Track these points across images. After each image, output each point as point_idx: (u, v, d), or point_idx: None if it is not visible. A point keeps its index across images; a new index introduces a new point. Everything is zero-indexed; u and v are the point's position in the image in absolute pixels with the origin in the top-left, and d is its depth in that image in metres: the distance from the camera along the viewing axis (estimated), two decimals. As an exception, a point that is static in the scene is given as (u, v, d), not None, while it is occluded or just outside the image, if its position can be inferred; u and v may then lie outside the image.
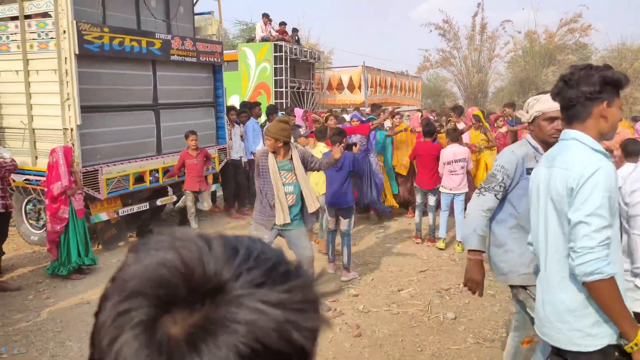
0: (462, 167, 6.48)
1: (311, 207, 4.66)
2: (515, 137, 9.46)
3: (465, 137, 8.75)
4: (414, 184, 6.89)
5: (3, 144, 6.74)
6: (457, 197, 6.53)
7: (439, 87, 36.79)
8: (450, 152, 6.50)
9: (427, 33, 34.30)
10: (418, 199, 6.88)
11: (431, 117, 9.42)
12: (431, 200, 6.73)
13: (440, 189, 6.62)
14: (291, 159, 4.60)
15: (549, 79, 29.41)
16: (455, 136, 6.59)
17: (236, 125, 8.90)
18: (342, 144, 5.38)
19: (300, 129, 6.75)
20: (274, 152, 4.56)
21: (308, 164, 4.69)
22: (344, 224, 5.67)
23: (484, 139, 8.88)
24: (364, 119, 10.34)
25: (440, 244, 6.63)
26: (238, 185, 8.82)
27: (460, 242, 6.48)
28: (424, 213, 6.94)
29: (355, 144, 8.30)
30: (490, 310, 4.78)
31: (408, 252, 6.63)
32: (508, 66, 32.60)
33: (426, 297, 5.13)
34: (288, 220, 4.53)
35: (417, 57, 37.87)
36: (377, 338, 4.29)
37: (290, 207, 4.57)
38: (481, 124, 9.25)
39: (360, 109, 15.60)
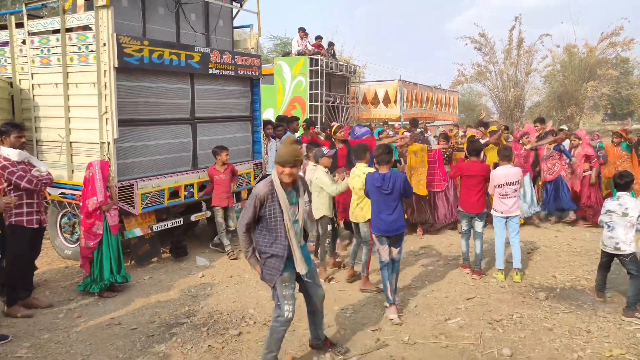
0: (515, 190, 5.99)
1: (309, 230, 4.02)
2: (537, 155, 8.96)
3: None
4: (459, 208, 6.38)
5: (40, 158, 6.67)
6: (511, 221, 6.02)
7: (473, 102, 36.13)
8: (502, 174, 6.02)
9: (462, 47, 33.82)
10: (464, 225, 6.33)
11: (476, 133, 8.96)
12: (478, 226, 6.16)
13: (492, 212, 6.16)
14: (297, 189, 3.85)
15: (589, 93, 28.44)
16: (507, 155, 6.11)
17: (272, 139, 8.68)
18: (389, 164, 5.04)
19: (324, 148, 6.23)
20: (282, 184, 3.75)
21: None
22: (394, 252, 5.09)
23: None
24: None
25: (500, 276, 6.03)
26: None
27: (519, 270, 5.99)
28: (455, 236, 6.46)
29: (399, 161, 7.94)
30: (549, 346, 4.32)
31: (452, 277, 6.20)
32: (545, 80, 31.70)
33: (476, 328, 4.71)
34: (306, 271, 3.86)
35: (452, 71, 37.30)
36: (426, 376, 3.90)
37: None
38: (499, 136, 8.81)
39: (393, 123, 15.23)
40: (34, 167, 5.29)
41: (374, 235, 5.20)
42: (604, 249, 5.22)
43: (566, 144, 9.37)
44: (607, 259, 5.32)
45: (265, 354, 3.89)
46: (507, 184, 5.98)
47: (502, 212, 6.02)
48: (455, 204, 8.20)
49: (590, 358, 4.11)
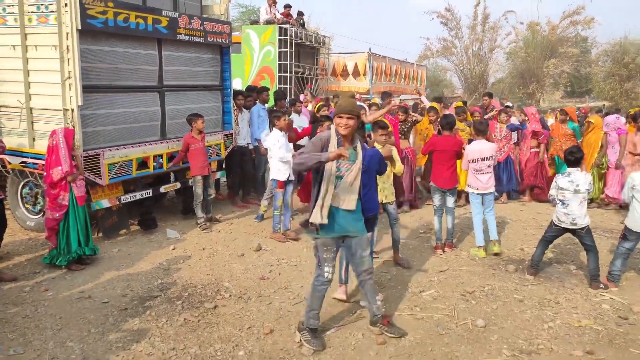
0: (489, 166, 6.03)
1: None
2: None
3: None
4: (431, 183, 6.32)
5: (-2, 124, 6.31)
6: (486, 197, 6.07)
7: (439, 77, 36.43)
8: (477, 149, 6.05)
9: (428, 21, 33.84)
10: (436, 200, 6.18)
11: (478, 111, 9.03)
12: (450, 201, 6.16)
13: (467, 189, 6.21)
14: (355, 148, 3.84)
15: (550, 71, 29.14)
16: (482, 130, 6.14)
17: (244, 110, 8.49)
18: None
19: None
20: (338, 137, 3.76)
21: None
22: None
23: (467, 132, 8.58)
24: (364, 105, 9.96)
25: (481, 252, 6.00)
26: (244, 172, 8.44)
27: (496, 241, 6.06)
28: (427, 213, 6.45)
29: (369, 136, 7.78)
30: (521, 317, 4.45)
31: (424, 251, 6.29)
32: (509, 57, 32.24)
33: (450, 300, 4.80)
34: (322, 221, 3.73)
35: (419, 45, 37.14)
36: (404, 347, 3.95)
37: (346, 211, 3.82)
38: (465, 116, 8.96)
39: (362, 96, 15.19)
40: None
41: None
42: (559, 225, 5.19)
43: (514, 120, 9.49)
44: (554, 234, 5.33)
45: (307, 312, 3.97)
46: (482, 159, 6.01)
47: (477, 189, 6.05)
48: (411, 181, 8.19)
49: (560, 328, 4.26)
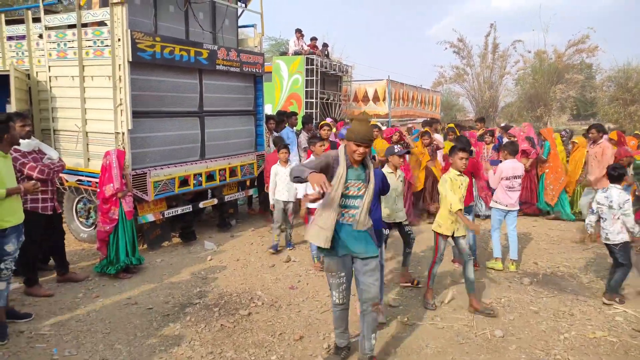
0: (520, 184, 5.88)
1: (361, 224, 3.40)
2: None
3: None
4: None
5: (57, 146, 6.48)
6: (511, 214, 5.89)
7: (452, 102, 36.17)
8: (510, 167, 5.88)
9: (442, 50, 33.79)
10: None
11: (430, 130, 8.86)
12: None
13: (492, 205, 6.02)
14: (366, 167, 3.43)
15: (557, 95, 28.64)
16: (514, 150, 5.97)
17: (274, 133, 8.55)
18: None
19: (395, 147, 5.29)
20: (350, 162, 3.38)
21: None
22: None
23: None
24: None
25: (499, 264, 5.82)
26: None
27: (514, 260, 5.89)
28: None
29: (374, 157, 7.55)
30: (537, 328, 4.30)
31: (442, 264, 6.15)
32: (517, 83, 31.85)
33: (469, 311, 4.67)
34: (325, 245, 3.34)
35: (433, 72, 37.17)
36: (426, 354, 3.85)
37: (355, 230, 3.39)
38: (455, 136, 8.82)
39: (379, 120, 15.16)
40: (45, 154, 5.08)
41: None
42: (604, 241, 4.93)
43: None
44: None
45: (334, 330, 3.71)
46: (515, 177, 5.85)
47: (506, 205, 5.85)
48: (409, 200, 8.00)
49: (575, 339, 4.10)
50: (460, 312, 4.65)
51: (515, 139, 8.73)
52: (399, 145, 5.46)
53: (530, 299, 4.96)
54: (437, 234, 4.70)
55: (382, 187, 4.08)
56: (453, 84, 32.96)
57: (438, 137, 9.03)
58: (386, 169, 5.13)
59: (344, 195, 3.35)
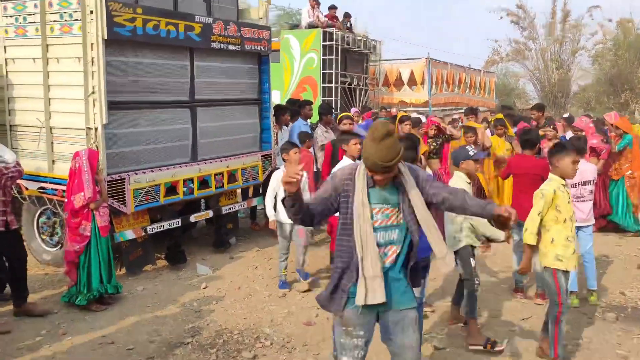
0: (591, 192, 5.78)
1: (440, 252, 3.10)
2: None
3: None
4: None
5: (14, 145, 6.63)
6: (583, 232, 5.77)
7: (510, 85, 35.98)
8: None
9: (496, 20, 33.70)
10: (516, 235, 5.81)
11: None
12: None
13: None
14: (399, 184, 3.05)
15: (647, 77, 28.32)
16: (581, 147, 5.85)
17: (284, 127, 8.63)
18: None
19: (468, 148, 5.07)
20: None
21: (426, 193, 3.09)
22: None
23: (508, 149, 8.42)
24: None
25: (574, 300, 5.58)
26: (284, 199, 8.52)
27: (594, 290, 5.79)
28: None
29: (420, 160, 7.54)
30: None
31: (498, 292, 6.13)
32: (595, 61, 31.54)
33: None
34: (381, 300, 2.96)
35: (485, 49, 37.08)
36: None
37: (387, 270, 3.04)
38: (505, 130, 8.79)
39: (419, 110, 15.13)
40: None
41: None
42: None
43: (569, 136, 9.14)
44: None
45: None
46: (582, 183, 5.75)
47: (575, 220, 5.80)
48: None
49: (677, 392, 4.04)
50: (528, 356, 4.61)
51: (583, 134, 8.63)
52: (471, 146, 5.18)
53: (617, 340, 4.90)
54: (555, 272, 4.39)
55: None
56: (511, 63, 32.83)
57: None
58: (457, 179, 4.93)
59: (374, 229, 3.00)
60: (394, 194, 3.03)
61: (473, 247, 4.91)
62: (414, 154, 4.51)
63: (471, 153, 4.92)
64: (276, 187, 6.37)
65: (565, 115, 11.23)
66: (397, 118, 8.18)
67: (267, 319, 5.42)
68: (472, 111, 10.34)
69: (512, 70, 34.52)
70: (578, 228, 5.78)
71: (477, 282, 4.85)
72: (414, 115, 9.76)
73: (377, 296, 2.92)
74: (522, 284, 6.04)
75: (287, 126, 8.66)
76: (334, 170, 3.30)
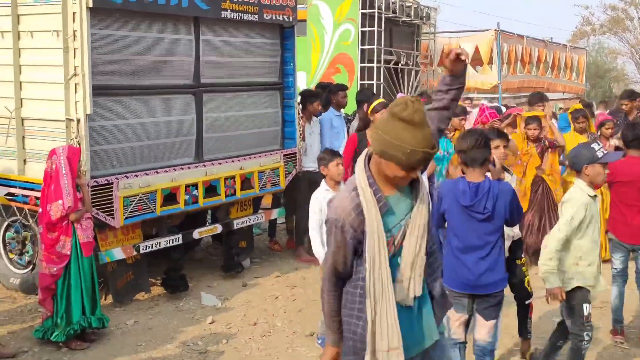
0: None
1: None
2: None
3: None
4: (608, 235, 6.12)
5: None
6: None
7: (604, 65, 35.54)
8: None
9: (587, -19, 33.33)
10: (617, 261, 5.96)
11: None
12: None
13: (610, 237, 5.96)
14: (411, 190, 3.02)
15: None
16: None
17: (314, 119, 8.68)
18: None
19: (596, 144, 4.86)
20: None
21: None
22: (482, 330, 4.60)
23: None
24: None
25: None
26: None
27: None
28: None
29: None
30: None
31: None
32: None
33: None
34: (398, 345, 2.89)
35: (572, 18, 36.67)
36: None
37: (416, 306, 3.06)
38: (586, 123, 8.64)
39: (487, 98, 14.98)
40: None
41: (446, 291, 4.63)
42: None
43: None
44: None
45: None
46: None
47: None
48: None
49: None
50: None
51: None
52: (598, 144, 4.90)
53: None
54: None
55: (509, 212, 4.29)
56: (607, 36, 32.39)
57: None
58: (576, 193, 4.78)
59: (393, 262, 2.96)
60: (408, 199, 2.99)
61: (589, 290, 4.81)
62: (485, 154, 4.51)
63: (599, 154, 4.69)
64: (322, 215, 5.68)
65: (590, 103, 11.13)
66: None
67: (291, 364, 5.48)
68: (539, 98, 10.22)
69: (608, 45, 34.02)
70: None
71: (587, 337, 4.77)
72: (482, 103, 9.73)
73: (392, 342, 2.87)
74: (621, 324, 5.99)
75: (316, 117, 8.71)
76: (327, 215, 3.06)
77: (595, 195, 4.73)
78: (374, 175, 2.91)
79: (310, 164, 8.53)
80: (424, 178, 3.03)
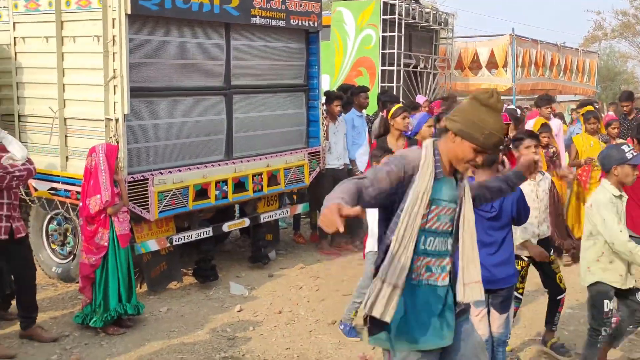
0: None
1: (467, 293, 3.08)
2: None
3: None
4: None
5: (23, 139, 6.85)
6: None
7: (615, 68, 35.09)
8: None
9: (599, -13, 32.96)
10: None
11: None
12: None
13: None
14: (458, 178, 3.09)
15: None
16: None
17: (339, 119, 8.68)
18: None
19: (625, 148, 4.71)
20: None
21: None
22: (496, 322, 4.59)
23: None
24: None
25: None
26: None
27: None
28: None
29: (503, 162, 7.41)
30: None
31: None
32: None
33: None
34: (385, 317, 2.91)
35: (584, 22, 36.36)
36: None
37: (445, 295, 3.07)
38: (597, 124, 8.49)
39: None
40: (6, 152, 5.42)
41: None
42: None
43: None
44: None
45: None
46: None
47: None
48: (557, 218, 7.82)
49: None
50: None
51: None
52: (628, 146, 4.79)
53: None
54: None
55: (516, 211, 4.24)
56: (617, 40, 31.97)
57: (555, 125, 8.83)
58: (602, 194, 4.68)
59: (422, 230, 2.96)
60: (454, 188, 3.04)
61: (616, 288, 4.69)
62: (495, 156, 4.46)
63: (629, 155, 4.56)
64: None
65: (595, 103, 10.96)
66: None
67: (314, 350, 5.48)
68: (546, 101, 10.11)
69: (619, 49, 33.58)
70: None
71: (604, 332, 4.73)
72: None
73: (385, 312, 2.87)
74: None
75: (333, 119, 8.73)
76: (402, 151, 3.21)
77: (621, 195, 4.65)
78: (440, 153, 2.98)
79: (334, 161, 8.56)
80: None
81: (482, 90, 3.03)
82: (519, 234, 4.94)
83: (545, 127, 8.13)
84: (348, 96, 9.25)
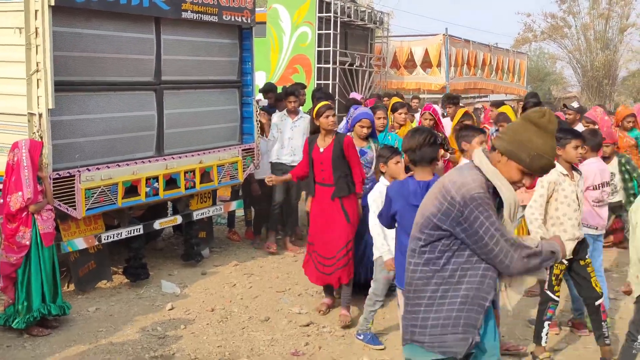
0: (609, 195, 5.97)
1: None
2: None
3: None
4: None
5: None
6: (598, 241, 5.91)
7: (544, 69, 36.16)
8: (596, 169, 5.87)
9: (529, -9, 33.87)
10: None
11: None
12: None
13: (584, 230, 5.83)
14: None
15: None
16: (596, 143, 6.00)
17: (301, 113, 8.68)
18: None
19: None
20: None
21: None
22: None
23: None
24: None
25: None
26: (281, 201, 8.42)
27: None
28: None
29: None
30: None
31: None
32: (648, 41, 31.76)
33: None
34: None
35: (515, 24, 37.40)
36: None
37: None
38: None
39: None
40: None
41: (399, 292, 4.50)
42: None
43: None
44: None
45: None
46: (603, 185, 5.86)
47: (596, 228, 5.85)
48: None
49: None
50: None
51: (597, 127, 8.63)
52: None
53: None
54: None
55: None
56: (547, 42, 32.95)
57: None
58: None
59: None
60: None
61: None
62: (434, 152, 4.43)
63: None
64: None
65: (575, 106, 11.13)
66: (390, 106, 8.27)
67: (247, 347, 5.44)
68: (449, 99, 10.45)
69: (548, 51, 34.61)
70: (596, 237, 5.88)
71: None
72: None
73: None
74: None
75: (267, 116, 8.69)
76: (462, 194, 2.90)
77: None
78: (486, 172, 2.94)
79: (286, 157, 8.44)
80: None
81: (534, 109, 2.93)
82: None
83: (467, 116, 8.03)
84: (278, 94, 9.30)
